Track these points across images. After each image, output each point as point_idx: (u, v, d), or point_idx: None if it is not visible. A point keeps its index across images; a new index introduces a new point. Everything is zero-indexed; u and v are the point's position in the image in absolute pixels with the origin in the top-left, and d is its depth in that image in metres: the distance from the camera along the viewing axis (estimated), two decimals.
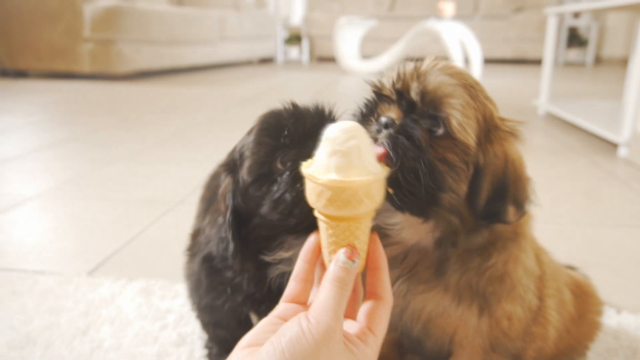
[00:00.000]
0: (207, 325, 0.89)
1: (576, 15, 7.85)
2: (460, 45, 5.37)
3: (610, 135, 2.47)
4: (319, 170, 0.55)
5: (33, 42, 5.15)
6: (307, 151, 0.63)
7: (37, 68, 5.34)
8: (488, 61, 7.52)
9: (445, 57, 0.63)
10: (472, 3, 8.05)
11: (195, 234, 0.88)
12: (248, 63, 7.97)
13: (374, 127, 0.60)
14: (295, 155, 0.67)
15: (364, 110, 0.62)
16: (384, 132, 0.59)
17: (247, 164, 0.71)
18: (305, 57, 8.51)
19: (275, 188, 0.69)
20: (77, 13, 4.94)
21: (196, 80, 5.57)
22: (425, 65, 0.61)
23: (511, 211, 0.61)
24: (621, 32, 7.60)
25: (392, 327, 0.81)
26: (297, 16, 8.61)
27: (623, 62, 6.40)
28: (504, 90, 4.85)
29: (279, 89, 4.93)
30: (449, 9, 5.35)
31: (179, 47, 5.91)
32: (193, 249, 0.87)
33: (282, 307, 0.59)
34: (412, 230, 0.66)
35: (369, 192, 0.54)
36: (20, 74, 5.47)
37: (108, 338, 0.95)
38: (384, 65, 5.92)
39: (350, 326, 0.58)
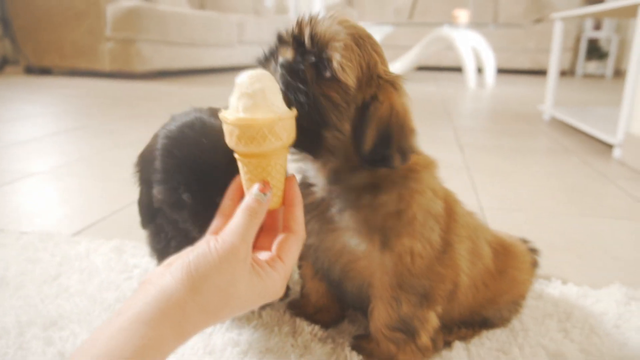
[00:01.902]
0: None
1: (597, 27, 7.80)
2: (474, 52, 5.40)
3: (605, 137, 2.48)
4: (230, 112, 0.62)
5: (58, 40, 5.35)
6: (205, 179, 0.72)
7: (60, 66, 5.54)
8: (506, 71, 7.51)
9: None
10: (491, 12, 8.05)
11: None
12: None
13: (273, 67, 0.66)
14: (198, 186, 0.75)
15: (267, 54, 0.68)
16: (279, 71, 0.65)
17: (158, 198, 0.79)
18: None
19: (185, 216, 0.78)
20: (100, 13, 5.12)
21: (213, 81, 5.70)
22: (319, 16, 0.67)
23: (397, 158, 0.66)
24: None
25: (314, 270, 0.87)
26: None
27: None
28: (515, 97, 4.85)
29: None
30: (463, 16, 5.38)
31: (197, 49, 6.06)
32: None
33: (205, 238, 0.65)
34: (318, 174, 0.74)
35: (273, 130, 0.60)
36: (45, 71, 5.68)
37: (75, 284, 1.02)
38: (398, 72, 5.97)
39: (263, 255, 0.65)
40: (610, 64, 7.63)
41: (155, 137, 0.83)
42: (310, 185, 0.77)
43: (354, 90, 0.65)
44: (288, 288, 1.02)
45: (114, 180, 1.83)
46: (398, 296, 0.74)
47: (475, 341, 0.87)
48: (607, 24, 7.71)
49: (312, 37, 0.64)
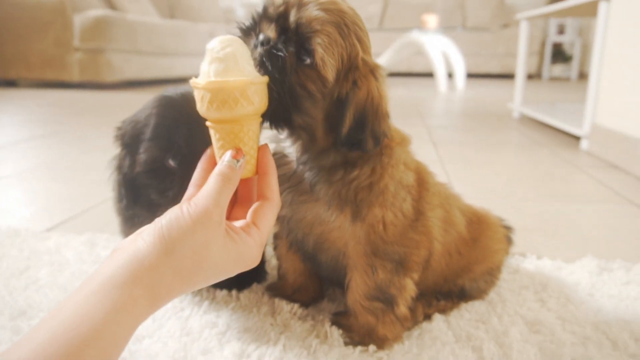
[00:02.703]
0: None
1: (560, 31, 8.03)
2: (444, 57, 5.49)
3: (573, 129, 2.54)
4: (202, 78, 0.61)
5: (24, 52, 5.23)
6: (198, 149, 0.70)
7: (27, 77, 5.41)
8: (477, 76, 7.66)
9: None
10: (459, 19, 8.22)
11: None
12: None
13: (253, 41, 0.65)
14: (186, 154, 0.74)
15: (248, 23, 0.67)
16: (259, 49, 0.64)
17: (141, 156, 0.77)
18: None
19: (167, 184, 0.77)
20: (67, 23, 5.04)
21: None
22: None
23: (370, 142, 0.67)
24: None
25: (288, 243, 0.86)
26: None
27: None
28: (486, 98, 4.94)
29: None
30: (431, 21, 5.48)
31: (168, 58, 6.01)
32: None
33: (178, 204, 0.64)
34: (292, 147, 0.75)
35: (244, 93, 0.59)
36: (11, 83, 5.55)
37: (45, 277, 0.99)
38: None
39: (238, 223, 0.63)
40: (574, 67, 7.85)
41: (146, 105, 0.81)
42: (284, 155, 0.76)
43: (332, 84, 0.64)
44: (265, 272, 1.01)
45: (84, 182, 1.79)
46: (373, 263, 0.74)
47: (454, 313, 0.87)
48: (570, 28, 7.94)
49: (298, 22, 0.63)
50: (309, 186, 0.73)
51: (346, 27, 0.65)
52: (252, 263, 0.62)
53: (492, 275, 0.92)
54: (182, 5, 7.22)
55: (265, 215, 0.64)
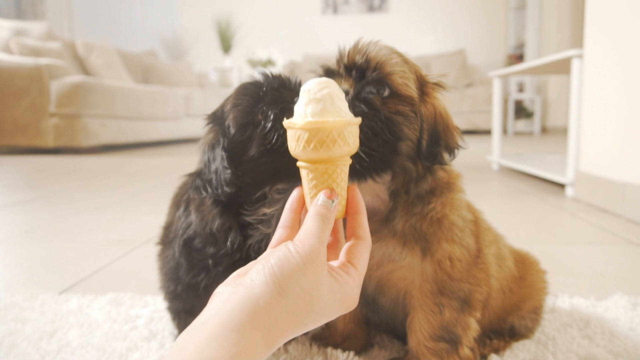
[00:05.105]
0: (179, 313, 0.90)
1: (520, 89, 8.50)
2: None
3: (557, 177, 2.65)
4: (297, 119, 0.61)
5: None
6: (284, 105, 0.70)
7: None
8: None
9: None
10: None
11: (168, 226, 0.92)
12: None
13: None
14: (275, 106, 0.73)
15: None
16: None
17: (231, 115, 0.77)
18: None
19: (261, 126, 0.74)
20: (44, 89, 5.03)
21: (161, 152, 5.64)
22: (361, 43, 0.71)
23: (444, 154, 0.72)
24: (561, 104, 8.20)
25: None
26: None
27: (566, 131, 6.85)
28: (461, 153, 5.10)
29: None
30: None
31: (144, 123, 6.02)
32: (166, 239, 0.91)
33: (269, 251, 0.63)
34: (364, 193, 0.75)
35: (342, 134, 0.60)
36: None
37: (76, 339, 0.94)
38: None
39: (334, 263, 0.62)
40: (537, 122, 8.27)
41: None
42: None
43: (417, 100, 0.69)
44: None
45: (82, 244, 1.73)
46: (440, 302, 0.74)
47: (508, 353, 0.87)
48: (529, 85, 8.43)
49: (368, 61, 0.68)
50: (384, 221, 0.73)
51: (402, 55, 0.72)
52: (353, 304, 0.60)
53: (537, 313, 0.92)
54: (156, 71, 7.33)
55: (361, 255, 0.62)
